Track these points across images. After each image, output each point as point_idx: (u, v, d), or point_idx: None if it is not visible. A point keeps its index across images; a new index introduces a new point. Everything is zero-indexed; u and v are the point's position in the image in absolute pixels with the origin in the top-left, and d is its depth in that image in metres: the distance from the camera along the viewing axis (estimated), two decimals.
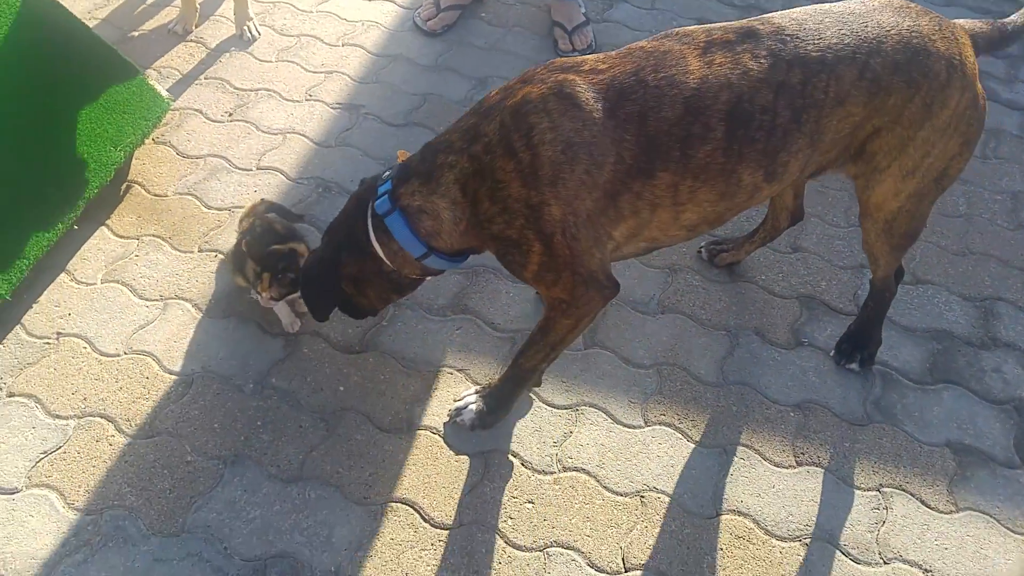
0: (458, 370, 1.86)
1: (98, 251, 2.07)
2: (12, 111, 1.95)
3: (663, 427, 1.78)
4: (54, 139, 2.02)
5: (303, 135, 2.41)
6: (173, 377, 1.82)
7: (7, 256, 1.84)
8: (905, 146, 1.50)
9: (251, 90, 2.56)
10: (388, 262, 1.59)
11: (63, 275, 2.01)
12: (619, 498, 1.66)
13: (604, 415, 1.79)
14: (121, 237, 2.11)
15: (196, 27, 2.74)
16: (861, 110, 1.45)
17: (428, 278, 1.71)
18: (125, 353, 1.86)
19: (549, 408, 1.80)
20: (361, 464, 1.68)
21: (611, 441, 1.75)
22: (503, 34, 2.83)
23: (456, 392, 1.82)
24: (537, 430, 1.76)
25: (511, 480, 1.67)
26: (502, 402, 1.73)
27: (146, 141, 2.33)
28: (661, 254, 2.13)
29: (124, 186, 2.23)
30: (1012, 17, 1.63)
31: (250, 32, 2.72)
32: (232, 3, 2.71)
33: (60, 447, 1.69)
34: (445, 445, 1.72)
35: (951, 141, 1.51)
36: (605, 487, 1.67)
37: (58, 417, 1.74)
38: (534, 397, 1.81)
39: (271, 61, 2.67)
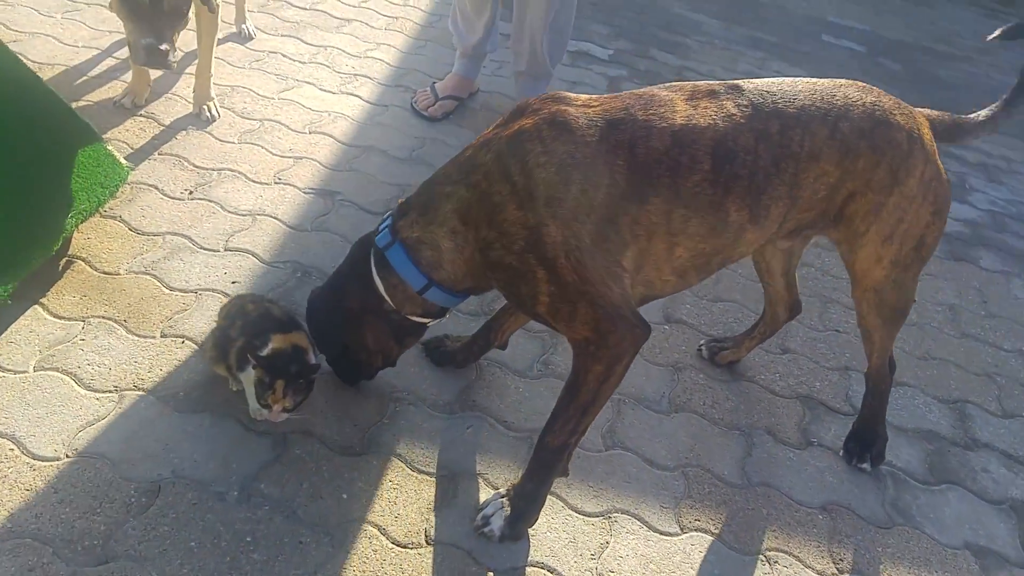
0: (475, 474, 1.66)
1: (30, 333, 1.74)
2: None
3: (700, 533, 1.65)
4: None
5: (275, 217, 2.22)
6: (133, 485, 1.49)
7: None
8: (879, 211, 1.58)
9: (213, 169, 2.35)
10: (389, 300, 1.57)
11: None
12: None
13: (638, 522, 1.64)
14: (60, 318, 1.79)
15: (147, 103, 2.53)
16: (834, 169, 1.52)
17: (429, 324, 1.65)
18: (67, 456, 1.52)
19: (580, 516, 1.62)
20: None
21: (651, 551, 1.59)
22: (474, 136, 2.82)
23: (476, 499, 1.61)
24: (571, 541, 1.57)
25: None
26: (531, 503, 1.55)
27: (93, 216, 2.06)
28: (664, 351, 2.07)
29: (64, 261, 1.92)
30: (976, 113, 1.78)
31: (209, 112, 2.54)
32: (192, 81, 2.53)
33: None
34: (472, 561, 1.50)
35: (921, 209, 1.60)
36: None
37: None
38: (562, 503, 1.63)
39: (233, 142, 2.48)
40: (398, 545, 1.49)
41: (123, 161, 2.04)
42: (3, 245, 1.69)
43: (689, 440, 1.86)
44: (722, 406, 1.98)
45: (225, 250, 2.07)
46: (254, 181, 2.34)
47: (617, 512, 1.65)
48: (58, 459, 1.51)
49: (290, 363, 1.54)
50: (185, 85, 2.68)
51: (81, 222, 1.88)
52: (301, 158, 2.48)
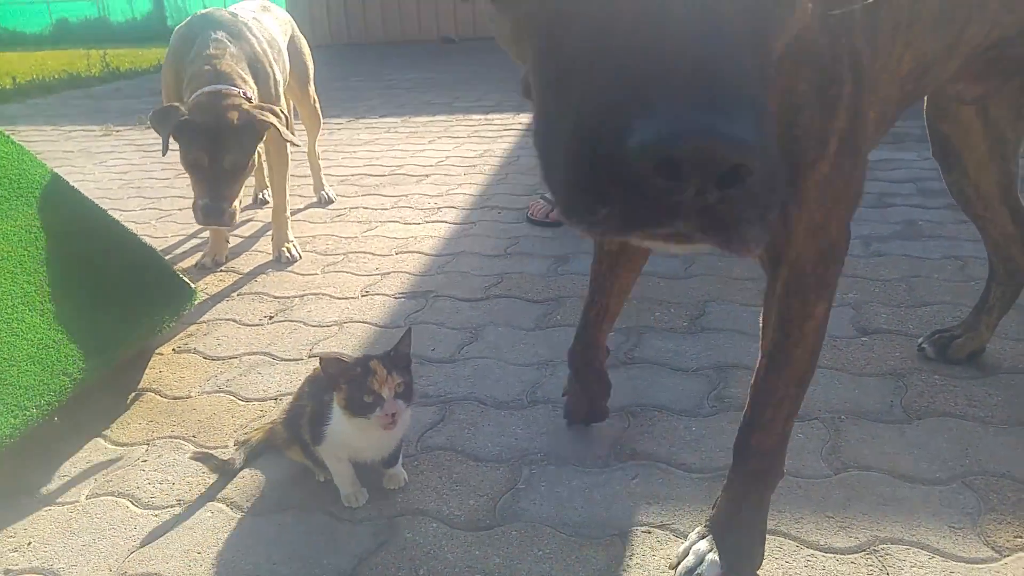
0: (656, 526, 1.15)
1: (85, 465, 1.44)
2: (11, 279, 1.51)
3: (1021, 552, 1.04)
4: (44, 315, 1.53)
5: (364, 322, 1.94)
6: None
7: None
8: None
9: (294, 296, 2.15)
10: None
11: (24, 498, 1.36)
12: None
13: (924, 552, 1.05)
14: (122, 445, 1.49)
15: (228, 260, 2.44)
16: None
17: None
18: None
19: (828, 555, 1.06)
20: None
21: None
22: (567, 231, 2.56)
23: (665, 553, 1.09)
24: None
25: None
26: (750, 534, 1.03)
27: (164, 350, 1.85)
28: (871, 362, 1.55)
29: (132, 395, 1.68)
30: None
31: (289, 253, 2.41)
32: (271, 233, 2.46)
33: None
34: None
35: None
36: None
37: None
38: (794, 542, 1.08)
39: (316, 274, 2.31)
40: None
41: (188, 281, 1.87)
42: (61, 354, 1.48)
43: (953, 446, 1.28)
44: (985, 402, 1.40)
45: (309, 357, 1.79)
46: (339, 298, 2.11)
47: (884, 543, 1.08)
48: None
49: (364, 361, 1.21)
50: (266, 242, 2.60)
51: (144, 339, 1.67)
52: (388, 273, 2.26)
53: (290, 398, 1.43)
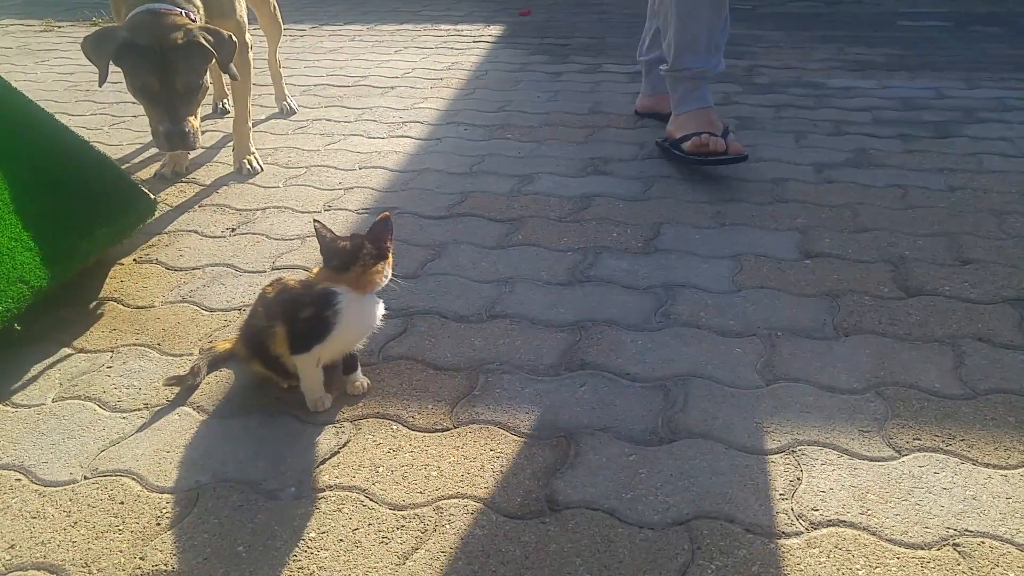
0: (599, 429, 1.24)
1: (50, 369, 1.48)
2: None
3: (926, 453, 1.16)
4: (2, 221, 1.54)
5: None
6: (165, 496, 1.15)
7: None
8: None
9: (256, 209, 2.16)
10: None
11: None
12: (918, 552, 0.99)
13: (836, 452, 1.16)
14: (86, 351, 1.53)
15: (188, 171, 2.42)
16: None
17: None
18: (85, 478, 1.20)
19: (751, 455, 1.17)
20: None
21: (863, 480, 1.11)
22: (535, 146, 2.57)
23: (608, 453, 1.18)
24: (749, 483, 1.11)
25: (742, 553, 1.00)
26: None
27: (125, 260, 1.86)
28: (811, 283, 1.64)
29: (94, 304, 1.70)
30: None
31: (250, 165, 2.40)
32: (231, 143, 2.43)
33: None
34: (617, 521, 1.06)
35: None
36: (889, 539, 1.01)
37: None
38: (723, 445, 1.19)
39: (278, 187, 2.31)
40: (513, 517, 1.07)
41: (148, 192, 1.87)
42: (16, 262, 1.49)
43: (873, 361, 1.39)
44: (905, 322, 1.51)
45: (272, 269, 1.82)
46: (301, 212, 2.13)
47: (801, 445, 1.18)
48: (74, 482, 1.19)
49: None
50: (227, 153, 2.58)
51: (102, 249, 1.68)
52: (352, 188, 2.27)
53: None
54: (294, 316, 1.29)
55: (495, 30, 4.59)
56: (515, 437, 1.24)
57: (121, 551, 1.06)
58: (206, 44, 1.94)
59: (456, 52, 4.04)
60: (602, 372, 1.38)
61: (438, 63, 3.80)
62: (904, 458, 1.16)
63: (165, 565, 1.03)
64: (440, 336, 1.53)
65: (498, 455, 1.20)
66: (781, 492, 1.10)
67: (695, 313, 1.54)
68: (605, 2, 5.39)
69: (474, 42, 4.28)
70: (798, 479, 1.12)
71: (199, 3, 2.08)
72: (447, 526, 1.07)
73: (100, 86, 2.00)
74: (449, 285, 1.72)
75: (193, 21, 2.00)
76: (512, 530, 1.06)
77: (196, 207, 2.19)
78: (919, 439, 1.20)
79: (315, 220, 1.29)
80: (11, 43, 4.60)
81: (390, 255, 1.30)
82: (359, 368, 1.38)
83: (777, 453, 1.17)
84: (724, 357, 1.40)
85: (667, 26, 2.36)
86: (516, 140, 2.64)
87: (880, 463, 1.15)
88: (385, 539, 1.05)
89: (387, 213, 1.30)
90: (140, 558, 1.05)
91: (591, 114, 2.87)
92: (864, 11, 5.02)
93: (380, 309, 1.33)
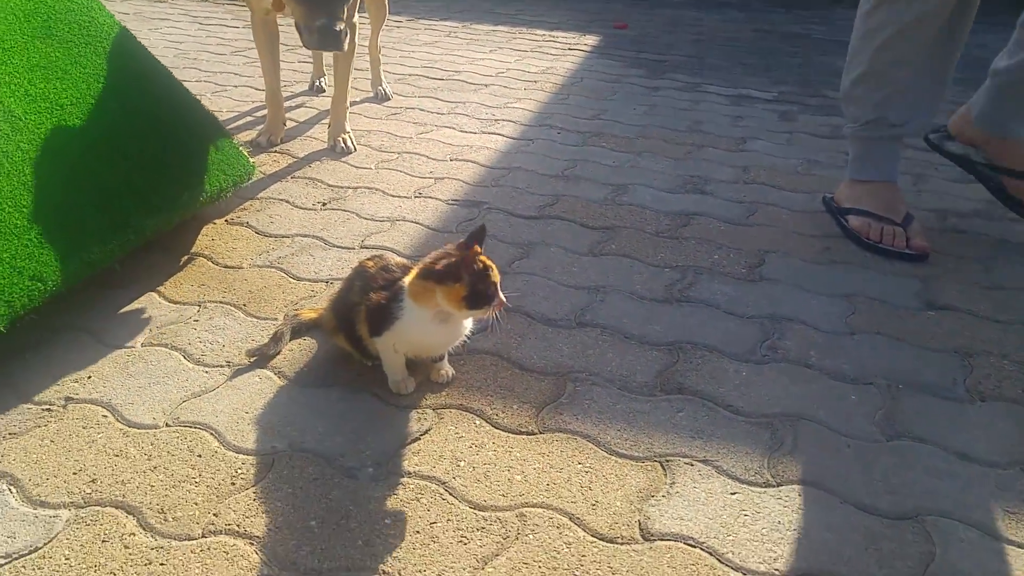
0: (699, 460, 1.16)
1: (141, 315, 1.47)
2: (80, 125, 1.51)
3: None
4: (111, 166, 1.54)
5: (416, 222, 1.93)
6: (241, 457, 1.11)
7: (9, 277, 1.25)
8: None
9: (348, 187, 2.14)
10: None
11: (86, 336, 1.39)
12: None
13: (972, 527, 1.06)
14: (175, 303, 1.52)
15: (283, 142, 2.42)
16: None
17: None
18: (167, 424, 1.17)
19: (870, 515, 1.07)
20: None
21: (1009, 570, 1.00)
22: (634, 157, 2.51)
23: (707, 487, 1.10)
24: (873, 549, 1.01)
25: None
26: None
27: (218, 220, 1.86)
28: (936, 336, 1.52)
29: (185, 258, 1.69)
30: None
31: (344, 144, 2.39)
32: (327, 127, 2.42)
33: (40, 548, 0.94)
34: (716, 560, 0.97)
35: None
36: None
37: (43, 505, 1.01)
38: (834, 497, 1.09)
39: (370, 168, 2.29)
40: (602, 538, 1.00)
41: (248, 156, 1.86)
42: (114, 206, 1.48)
43: (1019, 434, 1.24)
44: None
45: (361, 247, 1.79)
46: (392, 195, 2.10)
47: (931, 514, 1.07)
48: (156, 427, 1.17)
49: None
50: (321, 129, 2.58)
51: (202, 204, 1.67)
52: (442, 178, 2.24)
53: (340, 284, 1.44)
54: (371, 296, 1.25)
55: (591, 40, 4.55)
56: (605, 454, 1.16)
57: (196, 504, 1.02)
58: None
59: (551, 57, 4.00)
60: (702, 399, 1.29)
61: (532, 66, 3.76)
62: None
63: (238, 526, 0.99)
64: (527, 336, 1.47)
65: (587, 469, 1.13)
66: (911, 565, 1.00)
67: (804, 351, 1.44)
68: (702, 24, 5.30)
69: (569, 49, 4.24)
70: (931, 554, 1.01)
71: None
72: (530, 536, 1.00)
73: None
74: (537, 286, 1.65)
75: None
76: (601, 552, 0.98)
77: (288, 178, 2.18)
78: None
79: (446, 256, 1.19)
80: (128, 9, 4.76)
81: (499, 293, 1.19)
82: (446, 356, 1.32)
83: (904, 519, 1.06)
84: (837, 402, 1.30)
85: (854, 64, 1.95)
86: (611, 149, 2.57)
87: None
88: (464, 539, 0.99)
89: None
90: (214, 514, 1.01)
91: (690, 132, 2.78)
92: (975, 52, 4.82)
93: (466, 325, 1.26)
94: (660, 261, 1.78)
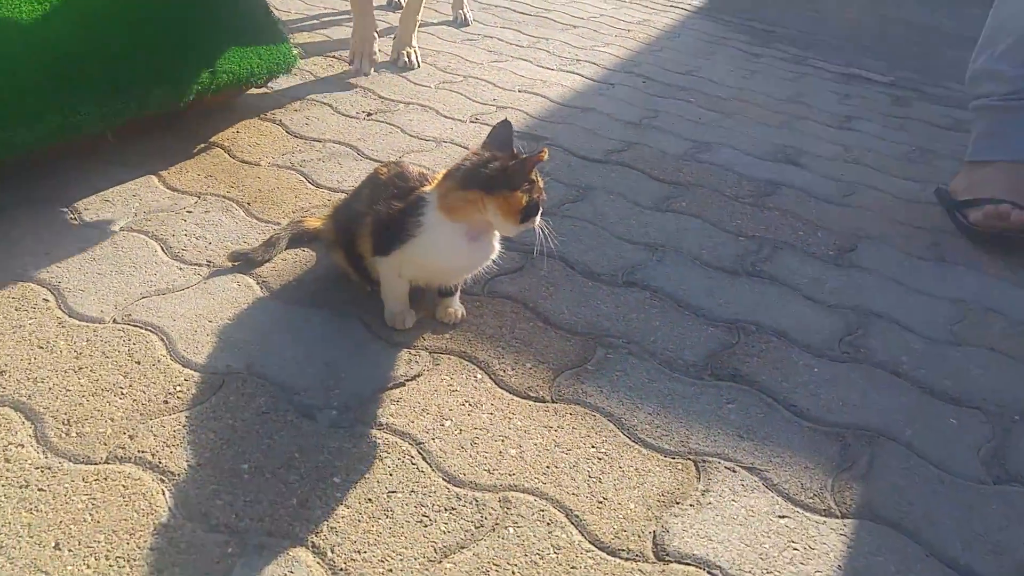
0: (744, 467, 0.91)
1: (130, 197, 1.30)
2: None
3: None
4: (123, 18, 1.36)
5: (464, 147, 1.71)
6: (186, 372, 0.93)
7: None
8: None
9: (400, 101, 1.93)
10: None
11: (63, 209, 1.23)
12: None
13: None
14: (173, 190, 1.34)
15: (341, 49, 2.22)
16: None
17: None
18: (114, 321, 1.00)
19: None
20: None
21: None
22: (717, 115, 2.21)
23: (748, 503, 0.86)
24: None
25: None
26: None
27: (251, 117, 1.67)
28: None
29: (201, 146, 1.52)
30: None
31: (408, 58, 2.17)
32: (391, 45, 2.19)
33: None
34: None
35: None
36: None
37: None
38: (922, 548, 0.83)
39: (429, 87, 2.07)
40: (602, 549, 0.77)
41: (291, 46, 1.66)
42: (121, 72, 1.30)
43: None
44: None
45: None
46: (446, 116, 1.87)
47: None
48: (100, 321, 0.99)
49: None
50: (388, 44, 2.37)
51: (222, 84, 1.48)
52: (505, 108, 2.00)
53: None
54: (381, 207, 1.03)
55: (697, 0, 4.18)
56: (627, 439, 0.93)
57: (112, 420, 0.84)
58: None
59: (650, 11, 3.67)
60: (759, 392, 1.04)
61: (629, 16, 3.45)
62: None
63: (152, 456, 0.80)
64: (561, 286, 1.23)
65: (600, 455, 0.90)
66: None
67: (894, 355, 1.16)
68: (822, 0, 4.83)
69: (671, 5, 3.89)
70: None
71: None
72: (510, 529, 0.78)
73: None
74: (585, 233, 1.41)
75: None
76: (597, 567, 0.76)
77: (338, 83, 1.98)
78: None
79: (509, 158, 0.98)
80: None
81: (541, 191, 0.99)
82: (457, 293, 1.11)
83: None
84: (932, 424, 1.02)
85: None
86: (699, 106, 2.27)
87: None
88: (426, 519, 0.78)
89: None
90: (129, 436, 0.82)
91: (789, 102, 2.45)
92: None
93: (495, 246, 1.04)
94: (735, 228, 1.51)
